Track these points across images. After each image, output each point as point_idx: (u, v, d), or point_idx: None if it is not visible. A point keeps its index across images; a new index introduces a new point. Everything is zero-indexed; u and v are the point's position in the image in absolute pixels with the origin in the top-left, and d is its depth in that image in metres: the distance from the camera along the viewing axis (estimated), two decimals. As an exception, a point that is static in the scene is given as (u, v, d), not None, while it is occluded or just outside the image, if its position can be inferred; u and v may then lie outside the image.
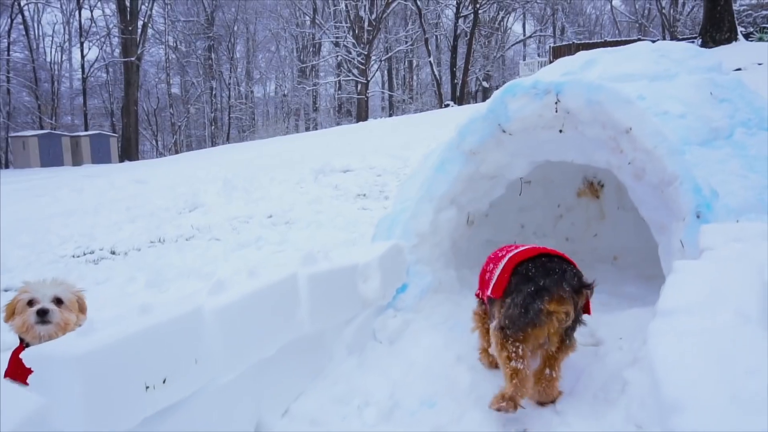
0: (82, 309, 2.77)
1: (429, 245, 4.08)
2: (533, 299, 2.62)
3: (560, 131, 3.87)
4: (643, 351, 2.85)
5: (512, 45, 54.98)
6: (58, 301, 2.66)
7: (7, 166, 43.97)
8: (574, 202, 6.03)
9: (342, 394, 2.95)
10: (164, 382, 2.15)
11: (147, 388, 2.08)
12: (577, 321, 2.71)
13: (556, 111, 3.75)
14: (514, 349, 2.63)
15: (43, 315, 2.58)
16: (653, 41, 4.56)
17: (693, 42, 20.24)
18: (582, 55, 4.85)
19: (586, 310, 2.82)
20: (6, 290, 6.21)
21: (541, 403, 2.80)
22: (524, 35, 55.61)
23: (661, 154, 3.26)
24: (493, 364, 3.14)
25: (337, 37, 49.95)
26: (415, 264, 4.04)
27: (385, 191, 11.34)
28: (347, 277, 3.42)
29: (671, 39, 30.13)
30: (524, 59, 47.26)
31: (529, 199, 5.96)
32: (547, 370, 2.77)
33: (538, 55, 50.55)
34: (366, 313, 3.59)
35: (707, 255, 2.64)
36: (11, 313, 2.67)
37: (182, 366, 2.25)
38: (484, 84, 50.41)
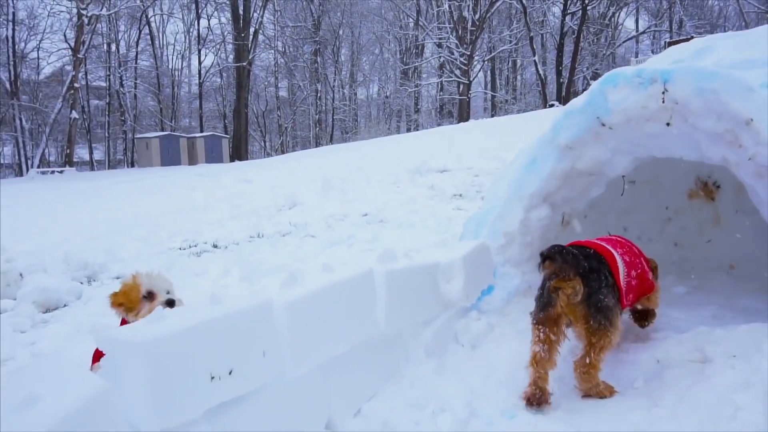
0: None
1: (518, 246, 3.86)
2: (545, 281, 2.90)
3: (667, 124, 3.52)
4: (760, 374, 2.50)
5: (624, 42, 52.17)
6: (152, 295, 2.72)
7: (132, 165, 47.64)
8: (685, 204, 5.51)
9: (417, 398, 2.82)
10: (230, 373, 2.12)
11: (212, 378, 2.06)
12: (597, 302, 2.83)
13: (663, 101, 3.40)
14: (537, 333, 2.90)
15: (171, 306, 2.62)
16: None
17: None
18: (696, 42, 4.42)
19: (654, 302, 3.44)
20: (117, 278, 6.65)
21: (585, 395, 2.89)
22: (637, 31, 52.62)
23: (789, 148, 2.86)
24: None
25: (440, 38, 49.80)
26: (502, 265, 3.83)
27: (482, 192, 11.07)
28: (428, 276, 3.29)
29: (807, 30, 27.16)
30: (636, 56, 44.73)
31: (633, 201, 5.52)
32: (586, 358, 2.85)
33: (652, 52, 47.61)
34: (447, 315, 3.43)
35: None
36: (124, 301, 2.69)
37: (249, 358, 2.21)
38: (592, 83, 48.17)
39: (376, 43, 59.88)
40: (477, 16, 46.24)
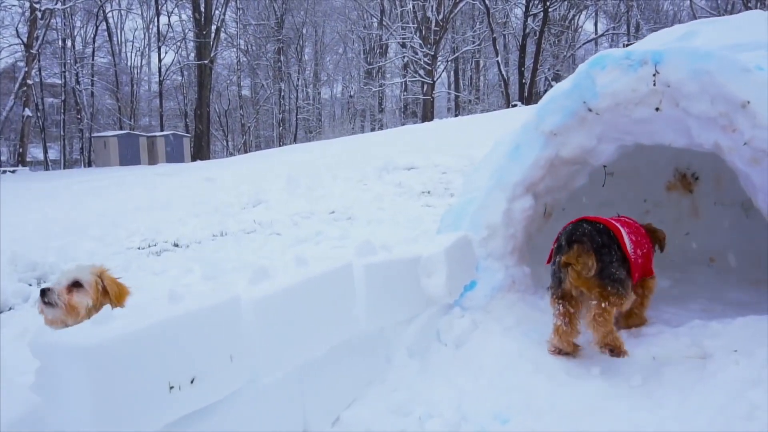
0: (112, 294, 2.49)
1: (501, 238, 3.64)
2: (557, 256, 3.01)
3: (657, 109, 3.35)
4: (771, 368, 2.34)
5: (583, 44, 53.01)
6: (77, 285, 2.40)
7: (89, 165, 46.18)
8: (663, 196, 5.41)
9: (401, 403, 2.57)
10: (192, 381, 1.84)
11: (171, 388, 1.77)
12: (610, 275, 2.89)
13: (654, 84, 3.23)
14: (557, 307, 3.01)
15: (43, 295, 2.31)
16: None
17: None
18: (677, 27, 4.29)
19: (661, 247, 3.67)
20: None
21: (601, 345, 2.91)
22: (596, 34, 53.53)
23: (789, 131, 2.71)
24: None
25: (404, 38, 49.78)
26: (485, 259, 3.61)
27: (450, 189, 10.90)
28: (409, 270, 3.04)
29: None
30: (597, 57, 45.24)
31: (611, 193, 5.39)
32: (599, 307, 2.87)
33: (612, 54, 48.34)
34: (429, 312, 3.20)
35: None
36: None
37: (215, 364, 1.93)
38: (553, 84, 48.79)
39: (339, 43, 59.52)
40: (441, 17, 46.34)
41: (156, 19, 51.43)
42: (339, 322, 2.51)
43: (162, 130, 48.56)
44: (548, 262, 3.17)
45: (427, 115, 44.76)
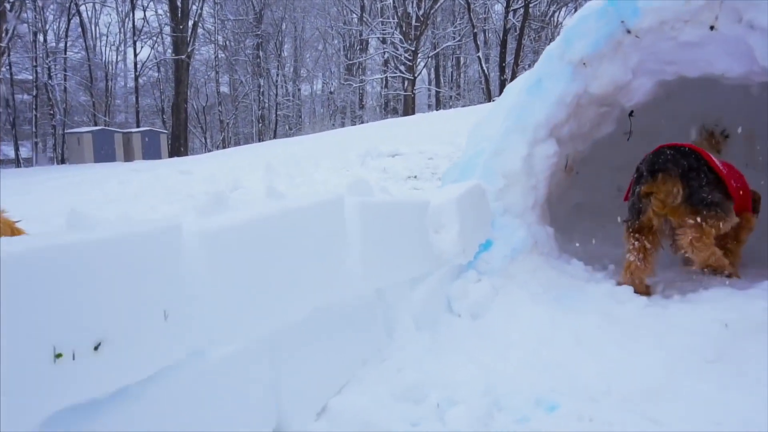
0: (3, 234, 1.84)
1: (521, 190, 3.01)
2: (636, 186, 2.78)
3: (711, 27, 2.74)
4: None
5: (565, 39, 52.79)
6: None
7: (63, 162, 44.84)
8: (687, 159, 4.82)
9: (410, 386, 1.91)
10: (97, 348, 1.16)
11: (58, 357, 1.09)
12: (701, 200, 2.61)
13: (713, -9, 2.62)
14: (631, 242, 2.79)
15: None
16: None
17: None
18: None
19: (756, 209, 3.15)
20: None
21: (701, 266, 2.69)
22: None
23: None
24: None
25: (384, 34, 49.26)
26: (502, 215, 2.97)
27: (438, 173, 10.32)
28: (414, 219, 2.39)
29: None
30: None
31: (628, 155, 4.79)
32: (697, 229, 2.59)
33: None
34: (439, 274, 2.54)
35: None
36: None
37: (137, 322, 1.25)
38: (536, 80, 48.54)
39: (319, 39, 58.78)
40: (421, 12, 45.82)
41: (131, 13, 50.19)
42: (325, 276, 1.84)
43: (138, 127, 47.39)
44: (625, 198, 2.93)
45: (408, 111, 44.16)
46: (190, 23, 44.86)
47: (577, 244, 3.66)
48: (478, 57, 45.90)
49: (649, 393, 1.93)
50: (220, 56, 55.67)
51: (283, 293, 1.66)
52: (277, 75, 57.57)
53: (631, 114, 3.80)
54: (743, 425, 1.69)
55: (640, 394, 1.93)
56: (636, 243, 2.75)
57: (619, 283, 2.78)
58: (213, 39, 54.49)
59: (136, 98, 51.80)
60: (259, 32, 54.39)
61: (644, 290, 2.77)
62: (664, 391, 1.94)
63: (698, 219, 2.57)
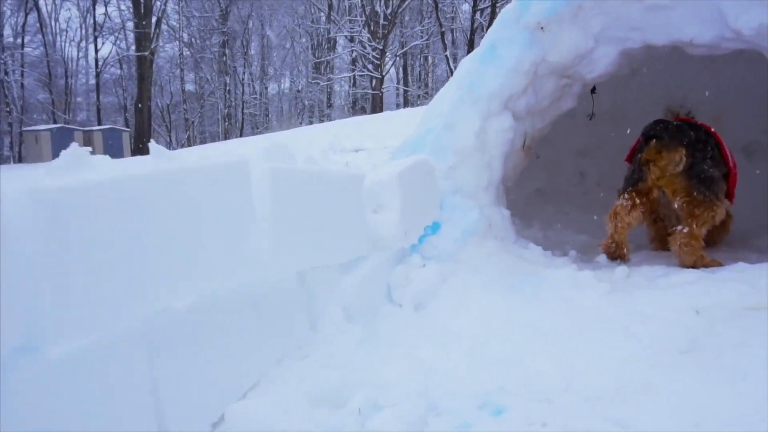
0: None
1: (474, 168, 2.71)
2: (638, 154, 2.69)
3: (680, -14, 2.49)
4: None
5: (532, 39, 53.21)
6: None
7: (20, 161, 43.37)
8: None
9: (331, 388, 1.59)
10: None
11: None
12: (700, 173, 2.55)
13: (683, -59, 2.37)
14: (625, 196, 2.69)
15: None
16: None
17: None
18: None
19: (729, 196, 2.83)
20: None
21: (683, 265, 2.56)
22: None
23: None
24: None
25: (352, 32, 49.00)
26: (452, 194, 2.67)
27: (403, 167, 10.05)
28: (346, 195, 2.06)
29: None
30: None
31: (592, 139, 4.57)
32: (687, 229, 2.55)
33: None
34: (376, 260, 2.22)
35: None
36: None
37: None
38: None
39: (287, 37, 58.15)
40: (389, 11, 45.62)
41: (92, 8, 48.84)
42: (222, 255, 1.51)
43: (100, 125, 46.13)
44: (628, 159, 2.84)
45: (376, 110, 43.80)
46: (154, 19, 43.82)
47: (537, 230, 3.39)
48: (446, 56, 45.85)
49: (614, 390, 1.64)
50: (185, 53, 54.58)
51: (159, 274, 1.32)
52: (244, 73, 56.68)
53: (593, 91, 3.55)
54: (726, 424, 1.42)
55: (604, 392, 1.65)
56: (627, 197, 2.66)
57: (601, 247, 2.74)
58: (178, 36, 53.41)
59: (98, 95, 50.40)
60: (225, 29, 53.47)
61: (622, 248, 2.69)
62: (631, 387, 1.66)
63: (689, 206, 2.53)
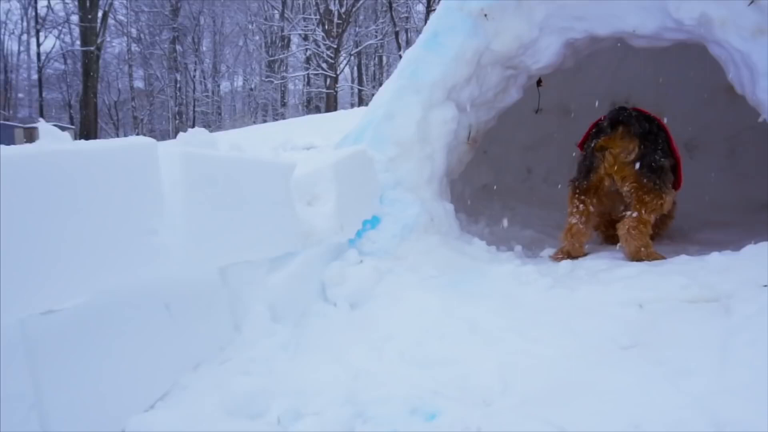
0: None
1: (415, 160, 2.61)
2: (593, 141, 2.67)
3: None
4: None
5: (486, 40, 53.81)
6: None
7: (-47, 160, 41.42)
8: (597, 137, 4.63)
9: (250, 395, 1.44)
10: None
11: None
12: (651, 162, 2.56)
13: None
14: (576, 204, 2.71)
15: None
16: None
17: None
18: None
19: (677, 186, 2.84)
20: None
21: (633, 258, 2.56)
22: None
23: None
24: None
25: (306, 30, 48.61)
26: (393, 188, 2.56)
27: (355, 164, 9.93)
28: (274, 185, 1.92)
29: None
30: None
31: (538, 134, 4.55)
32: (635, 213, 2.57)
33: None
34: (310, 254, 2.09)
35: None
36: None
37: None
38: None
39: (240, 34, 57.22)
40: (343, 10, 45.43)
41: (34, 0, 46.93)
42: (121, 247, 1.35)
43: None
44: (580, 146, 2.84)
45: (331, 109, 43.52)
46: (100, 13, 42.38)
47: (484, 225, 3.32)
48: (400, 56, 45.94)
49: (554, 391, 1.56)
50: (133, 49, 53.03)
51: (39, 270, 1.15)
52: (195, 70, 55.46)
53: (539, 83, 3.50)
54: (666, 424, 1.34)
55: (543, 392, 1.56)
56: (580, 206, 2.68)
57: (555, 255, 2.74)
58: (125, 31, 51.85)
59: (40, 91, 48.45)
60: (175, 25, 52.21)
61: (581, 254, 2.73)
62: (571, 387, 1.58)
63: (638, 193, 2.56)
